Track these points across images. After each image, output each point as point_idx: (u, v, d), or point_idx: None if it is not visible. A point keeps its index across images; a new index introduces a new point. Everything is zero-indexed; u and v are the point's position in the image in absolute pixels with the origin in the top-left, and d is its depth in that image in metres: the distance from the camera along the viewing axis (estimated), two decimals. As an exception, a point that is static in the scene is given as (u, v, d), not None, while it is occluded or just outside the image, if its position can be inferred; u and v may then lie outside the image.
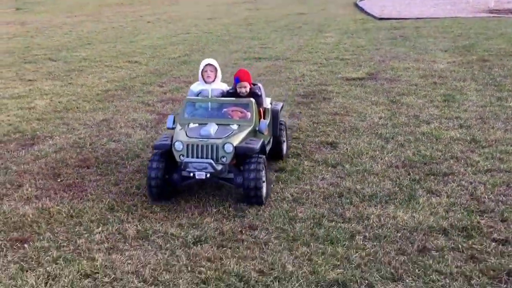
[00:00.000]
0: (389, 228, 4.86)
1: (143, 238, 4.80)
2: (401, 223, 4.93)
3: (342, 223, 4.98)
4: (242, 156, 5.31)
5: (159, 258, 4.47)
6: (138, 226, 5.00)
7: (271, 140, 6.26)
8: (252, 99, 5.83)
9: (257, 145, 5.34)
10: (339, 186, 5.77)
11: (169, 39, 17.62)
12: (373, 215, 5.10)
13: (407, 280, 4.07)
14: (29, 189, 5.80)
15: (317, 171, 6.21)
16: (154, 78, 11.61)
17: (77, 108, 9.16)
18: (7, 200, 5.56)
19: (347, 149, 6.88)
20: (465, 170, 6.10)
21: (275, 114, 6.34)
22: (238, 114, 5.78)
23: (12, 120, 8.42)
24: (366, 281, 4.06)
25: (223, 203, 5.40)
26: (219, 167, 5.18)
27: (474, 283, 4.02)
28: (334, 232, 4.78)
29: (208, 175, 5.16)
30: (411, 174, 6.04)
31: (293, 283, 4.04)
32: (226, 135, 5.35)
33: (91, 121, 8.36)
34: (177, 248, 4.60)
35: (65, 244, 4.71)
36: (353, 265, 4.28)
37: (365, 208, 5.24)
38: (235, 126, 5.56)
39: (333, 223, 4.98)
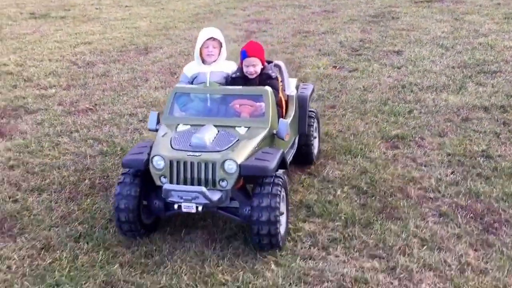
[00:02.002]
0: (441, 106, 6.38)
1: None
2: (450, 103, 6.43)
3: (404, 103, 6.53)
4: (250, 177, 3.87)
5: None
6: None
7: (296, 140, 4.92)
8: (268, 88, 4.27)
9: (273, 161, 3.82)
10: (402, 81, 7.29)
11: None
12: (429, 98, 6.62)
13: (450, 135, 5.63)
14: (155, 82, 7.68)
15: (385, 71, 7.73)
16: (236, 3, 13.21)
17: (175, 27, 10.98)
18: (140, 88, 7.46)
19: (411, 55, 8.32)
20: (512, 70, 7.45)
21: (302, 103, 4.91)
22: (248, 109, 4.26)
23: (124, 36, 10.34)
24: (419, 135, 5.66)
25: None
26: (216, 196, 3.73)
27: (502, 137, 5.54)
28: (396, 108, 6.36)
29: (200, 208, 3.76)
30: (464, 72, 7.46)
31: (364, 135, 5.70)
32: (229, 145, 3.86)
33: (189, 36, 10.14)
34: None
35: (192, 114, 6.55)
36: (410, 127, 5.87)
37: (423, 94, 6.77)
38: (242, 130, 4.06)
39: (396, 103, 6.55)
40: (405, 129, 5.82)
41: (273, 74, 4.59)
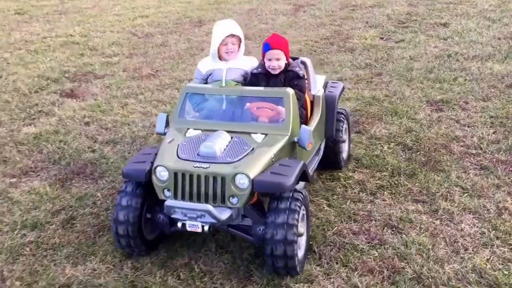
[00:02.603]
0: (486, 74, 6.63)
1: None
2: (495, 71, 6.68)
3: (449, 71, 6.81)
4: (264, 194, 3.53)
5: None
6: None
7: (322, 146, 4.46)
8: (290, 90, 3.80)
9: (291, 175, 3.38)
10: (448, 51, 7.54)
11: None
12: (474, 67, 6.87)
13: (493, 100, 5.91)
14: (210, 51, 8.15)
15: (431, 42, 7.98)
16: (284, -21, 13.52)
17: (226, 1, 11.41)
18: (197, 57, 7.93)
19: (457, 27, 8.53)
20: (558, 41, 7.59)
21: (330, 104, 4.44)
22: (268, 113, 3.81)
23: (178, 10, 10.85)
24: (463, 100, 5.96)
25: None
26: (225, 215, 3.36)
27: (544, 102, 5.80)
28: (442, 76, 6.65)
29: (207, 228, 3.40)
30: (510, 43, 7.65)
31: (409, 99, 6.04)
32: (241, 156, 3.44)
33: (241, 10, 10.56)
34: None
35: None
36: (455, 93, 6.17)
37: (468, 63, 7.02)
38: (259, 137, 3.63)
39: (442, 71, 6.83)
40: (449, 94, 6.12)
41: (301, 73, 4.09)
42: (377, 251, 3.65)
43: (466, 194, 4.26)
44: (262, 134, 3.66)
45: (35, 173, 4.84)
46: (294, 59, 4.29)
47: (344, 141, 4.70)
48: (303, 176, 3.60)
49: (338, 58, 7.53)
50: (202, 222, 3.39)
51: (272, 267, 3.41)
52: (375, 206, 4.16)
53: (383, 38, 8.34)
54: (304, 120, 4.10)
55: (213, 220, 3.36)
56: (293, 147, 3.76)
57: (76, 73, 7.36)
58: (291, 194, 3.40)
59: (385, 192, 4.33)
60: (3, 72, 7.38)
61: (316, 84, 4.44)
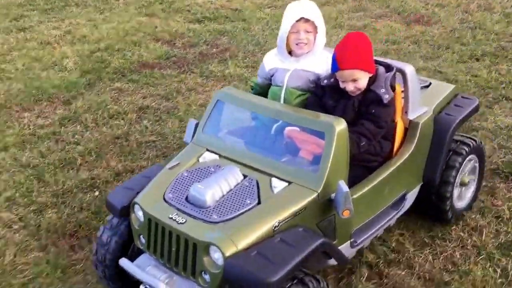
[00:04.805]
0: None
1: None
2: None
3: None
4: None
5: None
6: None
7: (413, 194, 3.31)
8: (338, 123, 2.68)
9: (284, 264, 2.31)
10: None
11: None
12: None
13: None
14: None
15: None
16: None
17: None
18: None
19: None
20: None
21: (440, 135, 3.24)
22: (314, 148, 2.77)
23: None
24: None
25: None
26: None
27: None
28: None
29: None
30: None
31: None
32: (236, 213, 2.54)
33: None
34: None
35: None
36: None
37: None
38: (278, 185, 2.66)
39: None
40: None
41: (386, 97, 2.92)
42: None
43: None
44: (285, 181, 2.66)
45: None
46: (387, 67, 3.05)
47: (465, 185, 3.47)
48: (329, 253, 2.60)
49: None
50: None
51: None
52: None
53: None
54: (386, 155, 3.08)
55: None
56: (327, 207, 2.68)
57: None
58: (299, 277, 2.41)
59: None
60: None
61: (418, 103, 3.20)
